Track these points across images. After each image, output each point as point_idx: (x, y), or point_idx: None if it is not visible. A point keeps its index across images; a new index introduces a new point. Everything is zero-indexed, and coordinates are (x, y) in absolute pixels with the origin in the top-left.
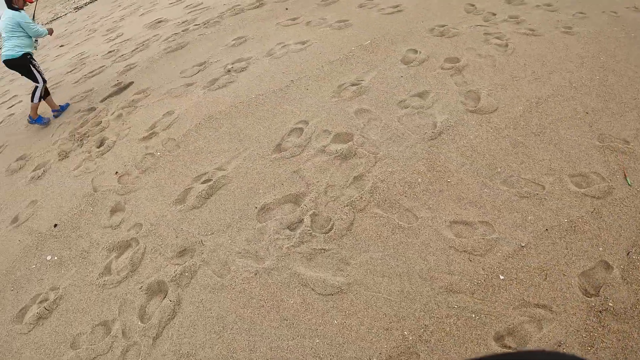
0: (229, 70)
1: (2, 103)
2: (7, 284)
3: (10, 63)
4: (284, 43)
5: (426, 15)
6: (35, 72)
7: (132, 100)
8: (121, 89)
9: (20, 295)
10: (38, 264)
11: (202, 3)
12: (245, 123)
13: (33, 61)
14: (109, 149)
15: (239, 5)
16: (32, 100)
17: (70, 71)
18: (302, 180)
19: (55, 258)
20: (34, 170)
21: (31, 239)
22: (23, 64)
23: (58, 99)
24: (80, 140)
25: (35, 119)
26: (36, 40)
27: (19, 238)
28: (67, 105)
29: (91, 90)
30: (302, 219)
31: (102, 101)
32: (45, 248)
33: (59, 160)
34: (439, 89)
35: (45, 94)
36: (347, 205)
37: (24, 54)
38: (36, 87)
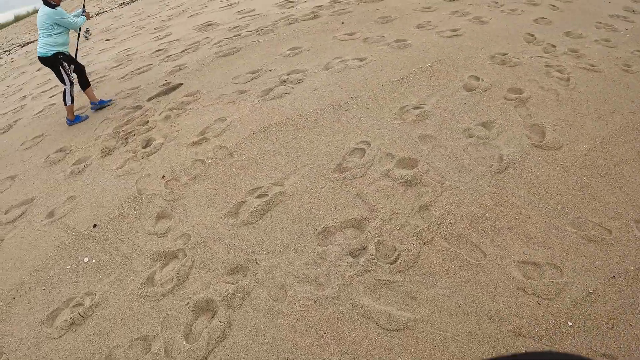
0: (285, 81)
1: (43, 92)
2: (39, 282)
3: (42, 60)
4: (341, 58)
5: (486, 41)
6: (63, 73)
7: (182, 103)
8: (170, 89)
9: (53, 297)
10: (74, 265)
11: (254, 10)
12: (302, 138)
13: (64, 63)
14: (156, 151)
15: (292, 15)
16: (64, 104)
17: (116, 66)
18: (365, 204)
19: (93, 261)
20: (73, 165)
21: (68, 237)
22: (53, 64)
23: (102, 93)
24: (125, 138)
25: (74, 119)
26: (87, 30)
27: (55, 234)
28: (110, 101)
29: (138, 87)
30: (366, 247)
31: (149, 100)
32: (83, 249)
33: (102, 157)
34: (504, 120)
35: (85, 85)
36: (413, 236)
37: (55, 54)
38: (65, 90)
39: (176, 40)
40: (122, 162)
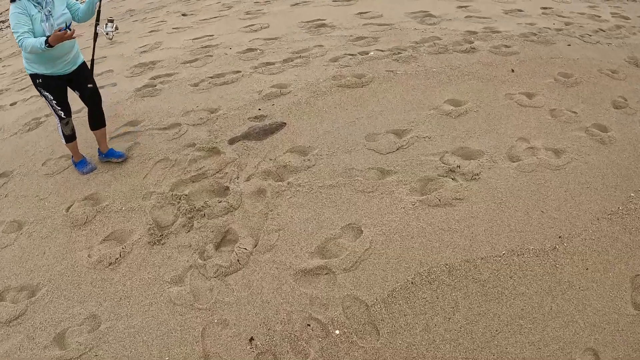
0: (453, 171)
1: None
2: None
3: None
4: (528, 141)
5: None
6: (46, 102)
7: (284, 166)
8: (265, 130)
9: None
10: None
11: (381, 15)
12: (479, 308)
13: (42, 91)
14: (239, 268)
15: (438, 38)
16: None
17: (190, 62)
18: None
19: None
20: (104, 241)
21: None
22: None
23: (166, 104)
24: (190, 217)
25: (76, 163)
26: (111, 24)
27: None
28: (121, 156)
29: (216, 111)
30: None
31: (232, 143)
32: None
33: (149, 243)
34: None
35: (97, 123)
36: None
37: (31, 75)
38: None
39: (275, 38)
40: (181, 272)
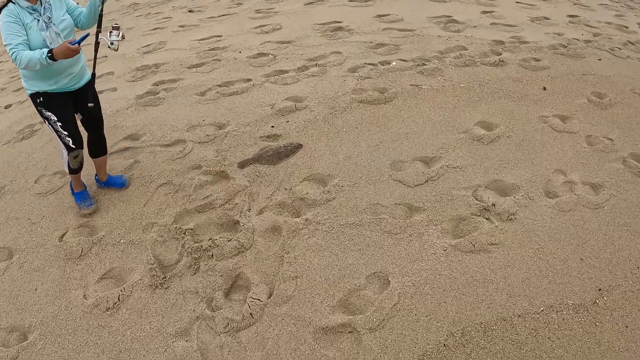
0: (487, 209)
1: None
2: None
3: None
4: (565, 174)
5: None
6: (50, 128)
7: (302, 199)
8: (279, 152)
9: None
10: None
11: (402, 19)
12: None
13: (44, 112)
14: (250, 323)
15: (464, 49)
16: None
17: (196, 66)
18: None
19: None
20: (101, 280)
21: None
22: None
23: (169, 116)
24: (196, 257)
25: (75, 193)
26: (117, 31)
27: None
28: (124, 182)
29: (224, 127)
30: None
31: (243, 167)
32: None
33: (150, 287)
34: None
35: (98, 151)
36: None
37: (31, 95)
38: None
39: (288, 42)
40: (187, 323)
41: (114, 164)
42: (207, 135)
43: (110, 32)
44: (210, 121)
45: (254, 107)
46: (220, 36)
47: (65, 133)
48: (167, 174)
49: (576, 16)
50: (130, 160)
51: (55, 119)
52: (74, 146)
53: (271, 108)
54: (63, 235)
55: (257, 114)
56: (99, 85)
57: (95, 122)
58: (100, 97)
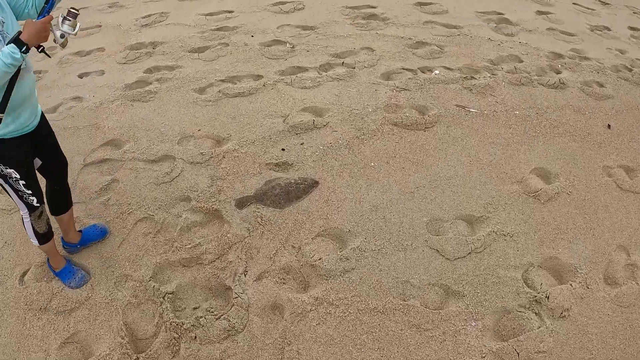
0: (537, 302)
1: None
2: None
3: None
4: (627, 252)
5: None
6: (7, 191)
7: (313, 265)
8: (289, 192)
9: None
10: None
11: (446, 11)
12: None
13: (2, 170)
14: None
15: (520, 61)
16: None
17: (198, 50)
18: None
19: None
20: (62, 357)
21: None
22: None
23: (158, 110)
24: (176, 336)
25: (57, 271)
26: (75, 27)
27: None
28: (103, 233)
29: (223, 141)
30: None
31: (242, 206)
32: None
33: None
34: None
35: (61, 206)
36: None
37: None
38: (22, 217)
39: (311, 28)
40: None
41: (88, 180)
42: (202, 153)
43: (64, 18)
44: (207, 132)
45: (263, 118)
46: (232, 12)
47: (29, 191)
48: (149, 204)
49: (638, 30)
50: (108, 177)
51: (18, 176)
52: (37, 203)
53: (283, 121)
54: (24, 273)
55: (266, 127)
56: (85, 64)
57: (61, 167)
58: (84, 82)
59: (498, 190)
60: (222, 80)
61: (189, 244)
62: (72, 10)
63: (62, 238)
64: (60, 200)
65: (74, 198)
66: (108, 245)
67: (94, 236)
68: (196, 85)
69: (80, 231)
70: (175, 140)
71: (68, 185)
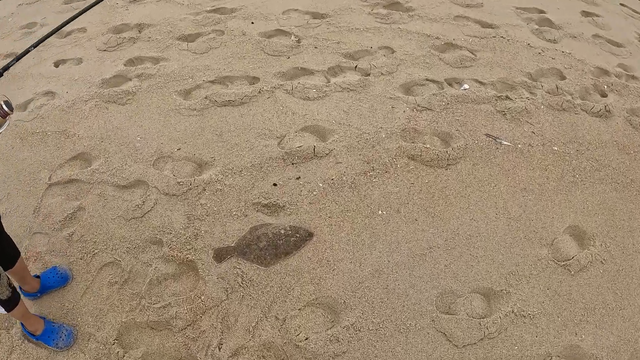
0: None
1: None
2: None
3: None
4: None
5: None
6: None
7: (298, 345)
8: (277, 245)
9: None
10: None
11: (481, 4)
12: None
13: None
14: None
15: (562, 78)
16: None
17: (189, 38)
18: None
19: None
20: None
21: None
22: None
23: (135, 117)
24: None
25: (37, 336)
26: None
27: None
28: (63, 278)
29: (206, 167)
30: None
31: (218, 259)
32: None
33: None
34: None
35: (11, 252)
36: None
37: None
38: None
39: (322, 16)
40: None
41: (53, 205)
42: (179, 183)
43: None
44: (188, 153)
45: (254, 138)
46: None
47: None
48: (116, 245)
49: None
50: (74, 202)
51: None
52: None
53: (279, 144)
54: None
55: (257, 152)
56: (64, 48)
57: None
58: (59, 72)
59: (524, 256)
60: (212, 82)
61: (159, 302)
62: (4, 108)
63: (19, 288)
64: (7, 250)
65: (36, 226)
66: (70, 292)
67: (55, 283)
68: (181, 86)
69: (37, 276)
70: (150, 161)
71: (7, 234)
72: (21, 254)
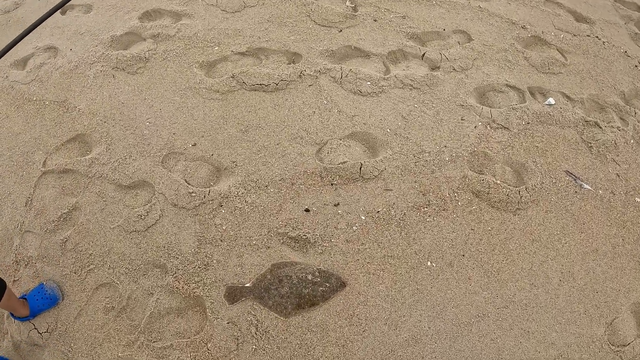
0: None
1: None
2: None
3: None
4: None
5: None
6: None
7: None
8: (302, 293)
9: None
10: None
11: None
12: None
13: None
14: None
15: None
16: None
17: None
18: None
19: None
20: None
21: None
22: None
23: (147, 92)
24: None
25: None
26: None
27: None
28: (54, 300)
29: (224, 173)
30: None
31: (231, 300)
32: None
33: None
34: None
35: None
36: None
37: None
38: None
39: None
40: None
41: (46, 198)
42: (191, 193)
43: None
44: (205, 151)
45: (288, 141)
46: None
47: None
48: (114, 262)
49: None
50: (69, 200)
51: None
52: None
53: (317, 153)
54: None
55: (290, 160)
56: None
57: None
58: (65, 21)
59: (579, 335)
60: (242, 54)
61: (159, 340)
62: None
63: (11, 314)
64: None
65: (28, 222)
66: (63, 312)
67: (44, 306)
68: (204, 55)
69: (24, 298)
70: (159, 156)
71: None
72: (12, 256)
